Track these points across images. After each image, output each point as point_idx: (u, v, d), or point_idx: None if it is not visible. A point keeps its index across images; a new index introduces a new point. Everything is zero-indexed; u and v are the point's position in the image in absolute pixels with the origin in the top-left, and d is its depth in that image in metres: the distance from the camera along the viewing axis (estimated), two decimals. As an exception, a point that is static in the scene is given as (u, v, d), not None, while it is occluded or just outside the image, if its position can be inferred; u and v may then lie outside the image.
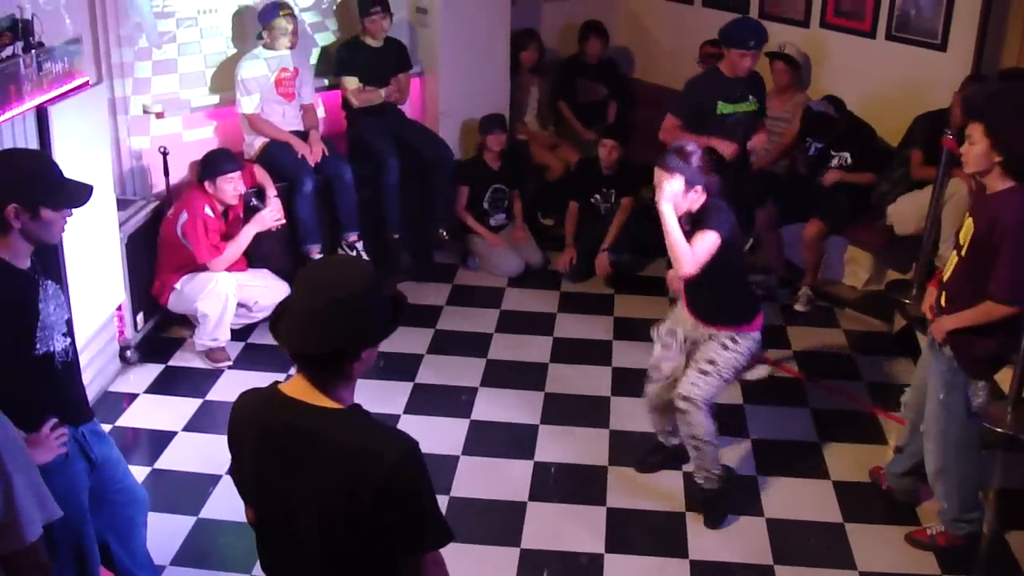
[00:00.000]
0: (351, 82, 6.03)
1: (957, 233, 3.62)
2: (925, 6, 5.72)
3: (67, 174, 2.78)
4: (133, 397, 4.91)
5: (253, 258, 5.44)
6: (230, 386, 4.94)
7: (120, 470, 3.15)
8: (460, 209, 6.36)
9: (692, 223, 3.75)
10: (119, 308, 4.99)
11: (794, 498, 4.25)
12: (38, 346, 2.73)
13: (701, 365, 3.93)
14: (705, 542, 3.99)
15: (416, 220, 6.25)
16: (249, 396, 2.22)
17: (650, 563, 3.88)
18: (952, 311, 3.55)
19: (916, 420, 3.96)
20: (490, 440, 4.63)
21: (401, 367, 5.19)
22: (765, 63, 5.78)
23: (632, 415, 4.67)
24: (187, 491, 4.20)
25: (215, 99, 5.84)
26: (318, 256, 5.60)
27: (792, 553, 3.92)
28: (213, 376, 5.10)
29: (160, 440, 4.58)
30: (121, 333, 5.09)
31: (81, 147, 4.29)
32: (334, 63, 6.14)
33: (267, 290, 5.27)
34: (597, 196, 6.33)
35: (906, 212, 5.50)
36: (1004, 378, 4.57)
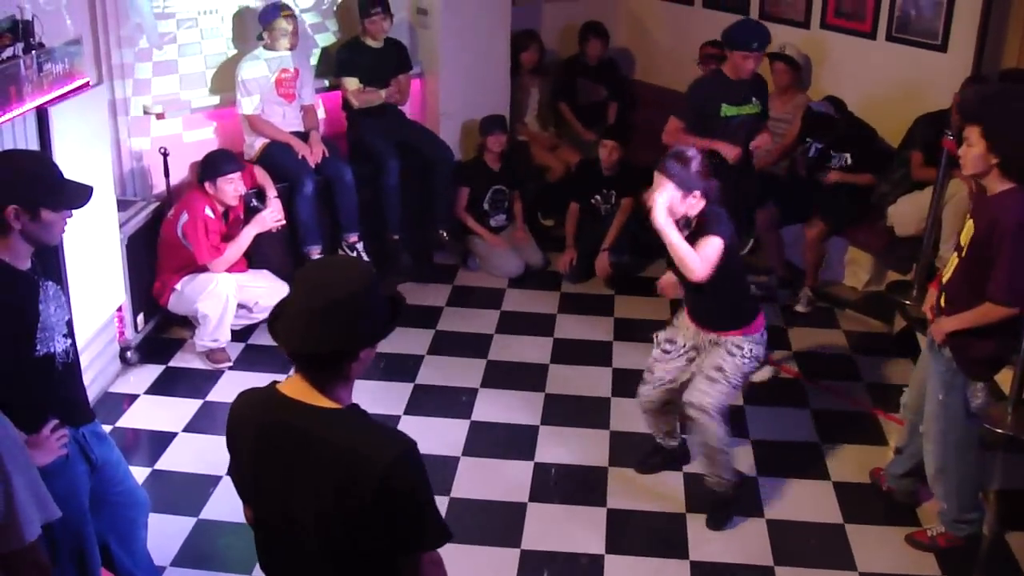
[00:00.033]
0: (351, 83, 6.03)
1: (959, 235, 3.62)
2: (925, 7, 5.72)
3: (67, 175, 2.78)
4: (133, 398, 4.91)
5: (253, 259, 5.45)
6: (230, 387, 4.94)
7: (121, 472, 3.15)
8: (460, 210, 6.36)
9: (693, 230, 3.74)
10: (119, 309, 5.00)
11: (794, 499, 4.25)
12: (38, 347, 2.73)
13: (709, 372, 3.90)
14: (705, 543, 3.99)
15: (416, 221, 6.25)
16: (247, 396, 2.22)
17: (650, 564, 3.88)
18: (951, 312, 3.55)
19: (915, 421, 3.96)
20: (490, 441, 4.63)
21: (401, 368, 5.19)
22: (765, 64, 5.77)
23: (632, 416, 4.66)
24: (187, 492, 4.20)
25: (215, 100, 5.84)
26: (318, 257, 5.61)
27: (792, 554, 3.92)
28: (213, 377, 5.10)
29: (160, 441, 4.58)
30: (121, 334, 5.09)
31: (81, 148, 4.30)
32: (334, 64, 6.14)
33: (267, 291, 5.27)
34: (597, 197, 6.33)
35: (906, 213, 5.50)
36: (1005, 379, 4.57)
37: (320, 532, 2.06)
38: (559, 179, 6.78)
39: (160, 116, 5.60)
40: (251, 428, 2.16)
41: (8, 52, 3.93)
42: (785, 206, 5.81)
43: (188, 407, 4.83)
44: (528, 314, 5.85)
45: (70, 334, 2.87)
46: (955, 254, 3.58)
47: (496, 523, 4.08)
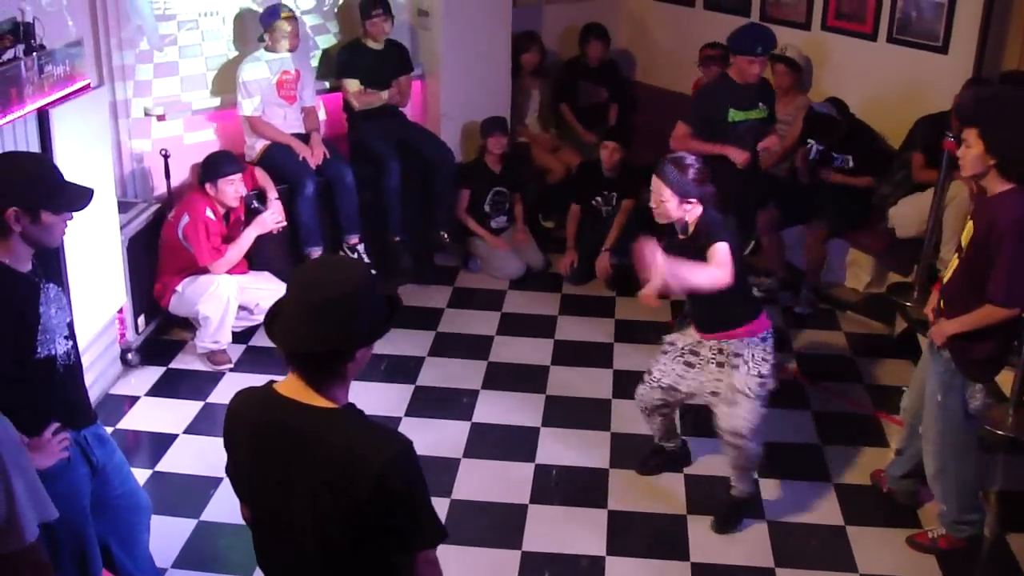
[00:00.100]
0: (352, 84, 6.03)
1: (960, 236, 3.62)
2: (926, 8, 5.72)
3: (68, 177, 2.78)
4: (134, 400, 4.91)
5: (254, 261, 5.45)
6: (231, 389, 4.86)
7: (123, 474, 3.14)
8: (461, 211, 6.36)
9: (692, 237, 3.73)
10: (120, 311, 5.00)
11: (795, 501, 4.25)
12: (39, 350, 2.72)
13: (726, 396, 3.85)
14: (706, 545, 3.98)
15: (417, 223, 6.25)
16: (244, 395, 2.23)
17: (651, 566, 3.88)
18: (950, 313, 3.55)
19: (915, 422, 3.96)
20: (491, 442, 4.63)
21: (402, 369, 5.19)
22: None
23: (633, 418, 4.65)
24: (188, 494, 4.20)
25: (216, 101, 5.84)
26: (319, 258, 5.61)
27: (793, 556, 3.92)
28: (214, 379, 5.11)
29: (161, 443, 4.58)
30: (122, 336, 5.09)
31: (82, 150, 4.30)
32: (335, 65, 6.14)
33: (268, 292, 5.26)
34: (598, 198, 6.33)
35: (907, 215, 5.50)
36: (1005, 381, 4.57)
37: (316, 531, 2.06)
38: (560, 181, 6.78)
39: (161, 118, 5.61)
40: (247, 427, 2.17)
41: (9, 54, 3.93)
42: (786, 208, 5.80)
43: (189, 409, 4.83)
44: (529, 316, 5.85)
45: (71, 336, 2.86)
46: (956, 256, 3.58)
47: (497, 525, 4.08)
